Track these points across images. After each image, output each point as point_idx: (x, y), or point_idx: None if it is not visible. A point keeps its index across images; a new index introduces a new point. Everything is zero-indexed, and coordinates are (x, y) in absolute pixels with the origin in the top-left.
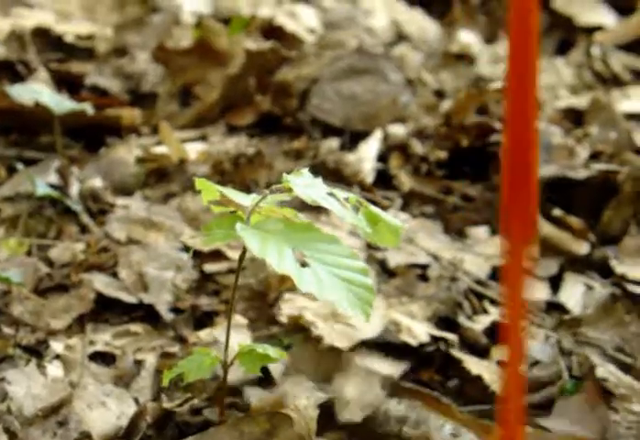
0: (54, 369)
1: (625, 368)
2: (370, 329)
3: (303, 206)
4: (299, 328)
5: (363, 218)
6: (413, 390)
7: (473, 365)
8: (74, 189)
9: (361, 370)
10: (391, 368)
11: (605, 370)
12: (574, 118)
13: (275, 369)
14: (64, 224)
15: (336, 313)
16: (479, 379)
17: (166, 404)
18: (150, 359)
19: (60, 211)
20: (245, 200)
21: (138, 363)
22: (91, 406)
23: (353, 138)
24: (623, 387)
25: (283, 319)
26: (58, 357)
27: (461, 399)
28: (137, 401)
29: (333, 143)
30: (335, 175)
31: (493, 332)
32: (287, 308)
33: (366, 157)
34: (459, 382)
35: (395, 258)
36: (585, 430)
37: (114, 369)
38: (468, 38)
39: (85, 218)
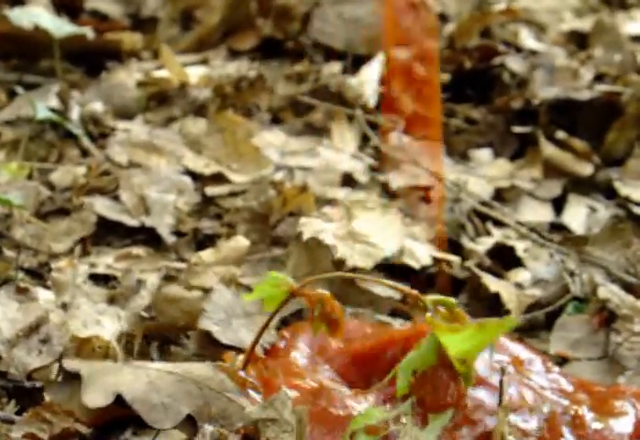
0: (44, 292)
1: (629, 288)
2: (390, 245)
3: (305, 130)
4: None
5: None
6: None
7: (491, 282)
8: (75, 113)
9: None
10: (392, 290)
11: (608, 291)
12: (578, 41)
13: None
14: (65, 147)
15: (354, 232)
16: (495, 296)
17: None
18: (152, 280)
19: (61, 135)
20: None
21: (139, 283)
22: (86, 325)
23: (355, 62)
24: (626, 308)
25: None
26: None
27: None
28: (132, 318)
29: (335, 67)
30: (337, 98)
31: (497, 253)
32: (304, 231)
33: (368, 80)
34: (467, 301)
35: (398, 180)
36: (586, 351)
37: (108, 290)
38: None
39: (86, 142)
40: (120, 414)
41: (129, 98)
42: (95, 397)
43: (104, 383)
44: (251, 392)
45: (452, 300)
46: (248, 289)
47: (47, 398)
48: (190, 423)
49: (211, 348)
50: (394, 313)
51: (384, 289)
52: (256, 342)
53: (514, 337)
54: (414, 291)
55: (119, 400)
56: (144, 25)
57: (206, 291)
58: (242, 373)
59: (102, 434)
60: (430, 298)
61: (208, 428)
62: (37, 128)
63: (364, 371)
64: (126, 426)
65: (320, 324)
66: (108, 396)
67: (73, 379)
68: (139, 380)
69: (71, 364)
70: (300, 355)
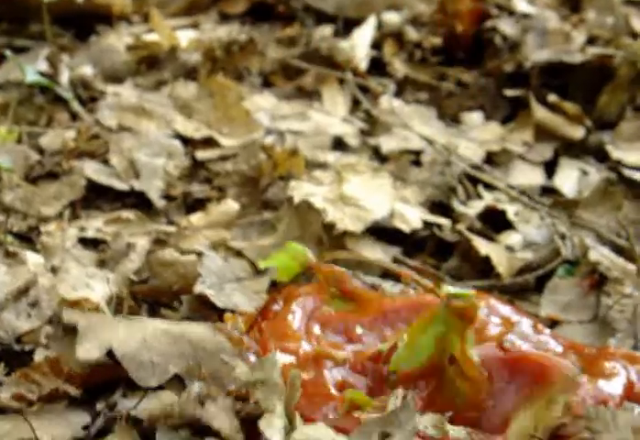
0: (33, 255)
1: (620, 251)
2: (380, 209)
3: (296, 94)
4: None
5: None
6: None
7: (482, 245)
8: (64, 77)
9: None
10: (382, 252)
11: (599, 253)
12: (571, 4)
13: None
14: (55, 111)
15: (345, 196)
16: (486, 259)
17: (156, 283)
18: (142, 243)
19: (51, 98)
20: None
21: (129, 247)
22: (75, 288)
23: (346, 26)
24: (616, 270)
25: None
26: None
27: (457, 279)
28: (122, 281)
29: (326, 30)
30: (328, 62)
31: (487, 217)
32: (294, 195)
33: (359, 43)
34: (457, 264)
35: (389, 144)
36: (576, 313)
37: (98, 253)
38: None
39: (76, 106)
40: (111, 374)
41: (119, 62)
42: (88, 350)
43: (99, 337)
44: (251, 356)
45: (469, 292)
46: (239, 253)
47: (37, 358)
48: (180, 385)
49: (204, 311)
50: (384, 275)
51: (374, 251)
52: (264, 308)
53: (505, 300)
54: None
55: (111, 355)
56: None
57: (199, 254)
58: (245, 337)
59: (91, 395)
60: (448, 289)
61: (195, 386)
62: (26, 92)
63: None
64: (115, 388)
65: (339, 301)
66: (101, 350)
67: (72, 331)
68: (133, 337)
69: (70, 315)
70: (295, 318)
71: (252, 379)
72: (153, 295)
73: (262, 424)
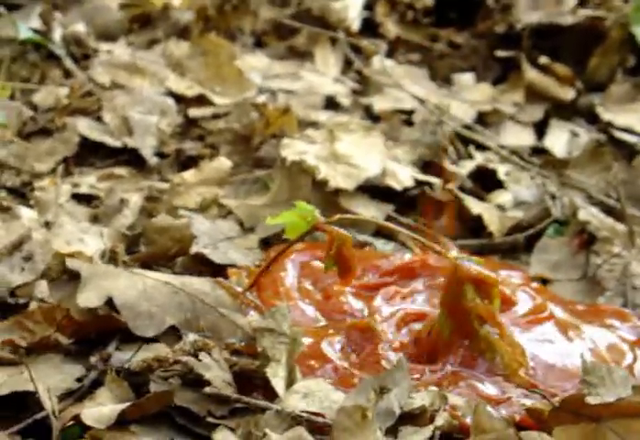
0: (27, 210)
1: (609, 211)
2: (372, 167)
3: (288, 54)
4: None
5: None
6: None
7: (473, 204)
8: (57, 34)
9: None
10: (375, 210)
11: (588, 213)
12: None
13: None
14: (48, 68)
15: (337, 154)
16: (477, 218)
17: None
18: (135, 199)
19: (44, 56)
20: None
21: (122, 202)
22: (69, 242)
23: None
24: (605, 230)
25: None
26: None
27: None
28: (115, 236)
29: None
30: (320, 22)
31: (478, 176)
32: (286, 153)
33: (352, 4)
34: (448, 223)
35: (381, 104)
36: (566, 272)
37: (91, 209)
38: None
39: (69, 63)
40: (105, 325)
41: (112, 20)
42: (89, 297)
43: (100, 286)
44: (251, 311)
45: (479, 259)
46: (230, 211)
47: (31, 307)
48: (177, 338)
49: (198, 269)
50: (377, 234)
51: (367, 209)
52: (268, 265)
53: (495, 260)
54: (437, 247)
55: (110, 305)
56: None
57: (191, 210)
58: (248, 294)
59: (85, 348)
60: (457, 255)
61: (191, 337)
62: (19, 49)
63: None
64: (109, 341)
65: (332, 262)
66: (101, 298)
67: (75, 278)
68: (134, 288)
69: (73, 263)
70: (287, 275)
71: (263, 325)
72: (151, 261)
73: (269, 373)
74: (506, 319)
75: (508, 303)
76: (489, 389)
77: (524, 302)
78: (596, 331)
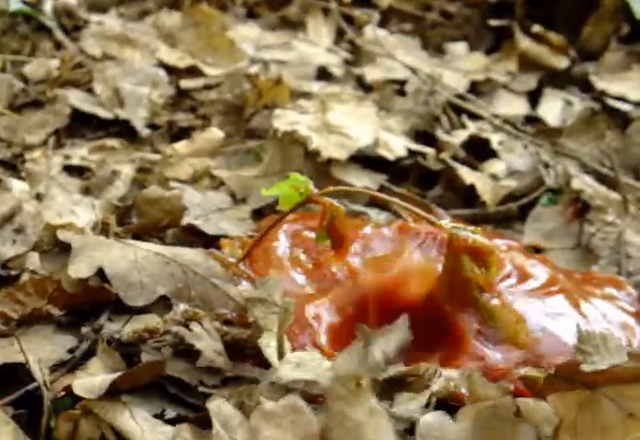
0: (18, 182)
1: (603, 179)
2: (365, 137)
3: (280, 24)
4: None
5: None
6: (394, 194)
7: (466, 174)
8: (48, 5)
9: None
10: (368, 180)
11: (582, 182)
12: None
13: None
14: (38, 40)
15: (329, 124)
16: (471, 187)
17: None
18: (126, 171)
19: (34, 27)
20: None
21: (114, 174)
22: (60, 214)
23: None
24: (599, 198)
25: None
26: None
27: (441, 207)
28: (107, 207)
29: None
30: None
31: (472, 146)
32: (278, 123)
33: None
34: (441, 193)
35: (373, 74)
36: (559, 241)
37: (83, 181)
38: None
39: (60, 34)
40: (97, 297)
41: None
42: (79, 268)
43: (91, 256)
44: (244, 282)
45: (475, 228)
46: (222, 182)
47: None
48: (168, 308)
49: (189, 240)
50: (370, 204)
51: (360, 179)
52: (262, 236)
53: (489, 230)
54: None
55: (102, 276)
56: None
57: (183, 181)
58: (241, 265)
59: (77, 319)
60: (453, 225)
61: (181, 307)
62: (9, 21)
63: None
64: (101, 312)
65: (325, 235)
66: (92, 268)
67: (66, 250)
68: (125, 258)
69: (65, 235)
70: (280, 245)
71: (254, 295)
72: (142, 233)
73: (262, 342)
74: (519, 291)
75: (524, 277)
76: (496, 356)
77: (538, 275)
78: (603, 304)
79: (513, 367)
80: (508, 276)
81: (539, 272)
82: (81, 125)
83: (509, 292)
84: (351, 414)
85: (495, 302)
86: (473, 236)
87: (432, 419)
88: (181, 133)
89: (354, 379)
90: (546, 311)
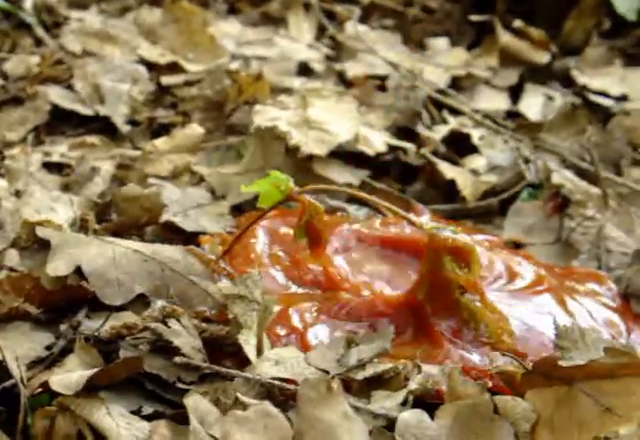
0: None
1: (583, 174)
2: (345, 133)
3: (261, 20)
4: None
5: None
6: (374, 190)
7: (447, 169)
8: (28, 2)
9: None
10: (350, 176)
11: (562, 177)
12: None
13: None
14: (18, 37)
15: (309, 120)
16: (451, 183)
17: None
18: (106, 167)
19: (14, 24)
20: None
21: (93, 170)
22: (39, 211)
23: None
24: (579, 193)
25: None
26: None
27: (421, 203)
28: (86, 204)
29: None
30: None
31: (452, 141)
32: (259, 119)
33: None
34: (422, 188)
35: (354, 69)
36: (540, 236)
37: (62, 177)
38: None
39: (40, 31)
40: (75, 295)
41: None
42: (58, 266)
43: (69, 254)
44: (223, 279)
45: (455, 227)
46: (202, 178)
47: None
48: (146, 306)
49: (168, 237)
50: (350, 200)
51: (341, 175)
52: (242, 233)
53: (469, 225)
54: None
55: (81, 273)
56: None
57: (163, 178)
58: (222, 262)
59: (55, 316)
60: (432, 224)
61: (159, 303)
62: None
63: None
64: (79, 310)
65: (302, 233)
66: (70, 266)
67: (45, 247)
68: (103, 255)
69: (43, 231)
70: (258, 242)
71: (234, 292)
72: (121, 230)
73: (241, 339)
74: (506, 291)
75: (512, 276)
76: (474, 358)
77: (525, 275)
78: (588, 302)
79: (493, 367)
80: (499, 277)
81: (526, 271)
82: (61, 121)
83: (496, 293)
84: (323, 417)
85: (477, 302)
86: (453, 235)
87: (410, 417)
88: (161, 129)
89: (324, 383)
90: (533, 310)
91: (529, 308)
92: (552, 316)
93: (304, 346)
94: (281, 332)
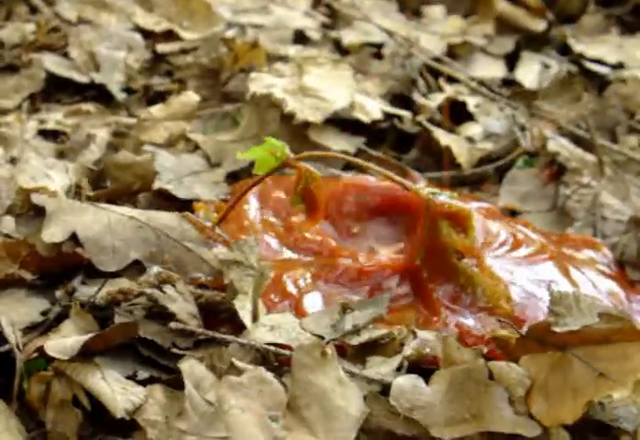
0: None
1: (578, 142)
2: (340, 100)
3: None
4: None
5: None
6: (370, 157)
7: (442, 136)
8: None
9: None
10: (346, 144)
11: (558, 144)
12: None
13: None
14: (13, 4)
15: (305, 87)
16: (447, 150)
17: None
18: (102, 135)
19: None
20: None
21: (89, 138)
22: (34, 178)
23: None
24: (575, 161)
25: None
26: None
27: (417, 170)
28: (81, 171)
29: None
30: None
31: (448, 108)
32: (254, 86)
33: None
34: (418, 156)
35: (350, 37)
36: (535, 203)
37: (58, 145)
38: None
39: None
40: (70, 261)
41: None
42: (54, 233)
43: (65, 221)
44: (219, 246)
45: (452, 193)
46: (197, 146)
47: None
48: (141, 273)
49: (162, 205)
50: (347, 167)
51: (337, 143)
52: (237, 199)
53: (465, 193)
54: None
55: (76, 239)
56: None
57: (159, 145)
58: (217, 229)
59: (50, 282)
60: (429, 190)
61: (154, 269)
62: None
63: None
64: (74, 276)
65: (299, 200)
66: (66, 233)
67: (41, 213)
68: (99, 222)
69: (38, 198)
70: (251, 208)
71: (230, 257)
72: (114, 198)
73: (236, 305)
74: (509, 258)
75: (516, 243)
76: (470, 323)
77: (529, 242)
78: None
79: (487, 332)
80: (503, 243)
81: (529, 239)
82: (56, 89)
83: (499, 260)
84: (317, 382)
85: (474, 267)
86: (450, 200)
87: (404, 382)
88: (157, 97)
89: (318, 348)
90: (535, 278)
91: (531, 276)
92: (554, 285)
93: (300, 313)
94: (276, 298)
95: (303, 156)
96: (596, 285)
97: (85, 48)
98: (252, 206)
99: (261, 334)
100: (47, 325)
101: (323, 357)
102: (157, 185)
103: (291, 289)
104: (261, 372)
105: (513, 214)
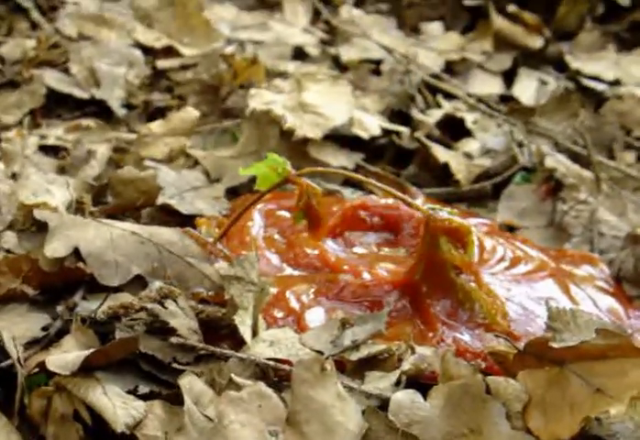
0: None
1: (575, 158)
2: (340, 116)
3: (257, 5)
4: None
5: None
6: (369, 173)
7: (440, 153)
8: None
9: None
10: (345, 160)
11: (555, 160)
12: None
13: None
14: (15, 20)
15: (304, 103)
16: (445, 166)
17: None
18: (102, 150)
19: (11, 8)
20: None
21: (89, 153)
22: (35, 194)
23: None
24: (572, 177)
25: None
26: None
27: (415, 186)
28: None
29: None
30: None
31: (446, 125)
32: (254, 102)
33: None
34: (416, 172)
35: (349, 53)
36: (532, 219)
37: (58, 160)
38: None
39: (36, 15)
40: (72, 276)
41: None
42: (56, 248)
43: (67, 236)
44: (220, 261)
45: (451, 209)
46: (196, 162)
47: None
48: (143, 288)
49: (164, 220)
50: (346, 183)
51: (336, 159)
52: (239, 215)
53: (462, 209)
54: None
55: (78, 254)
56: None
57: (159, 161)
58: (219, 244)
59: (52, 297)
60: (429, 206)
61: (156, 284)
62: None
63: None
64: (75, 291)
65: (302, 215)
66: (68, 248)
67: (43, 229)
68: (101, 237)
69: (41, 214)
70: (254, 225)
71: (231, 273)
72: (118, 213)
73: (237, 320)
74: (507, 275)
75: (515, 260)
76: (467, 339)
77: (528, 259)
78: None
79: (485, 347)
80: (500, 260)
81: (528, 256)
82: (57, 105)
83: (496, 276)
84: (316, 398)
85: (472, 283)
86: (450, 216)
87: (403, 397)
88: (157, 113)
89: (318, 363)
90: (534, 295)
91: (530, 293)
92: (553, 302)
93: (302, 328)
94: (279, 314)
95: (305, 172)
96: (596, 302)
97: (86, 64)
98: (255, 222)
99: (261, 349)
100: (48, 340)
101: (322, 373)
102: (160, 200)
103: (293, 304)
104: (261, 387)
105: (510, 229)
